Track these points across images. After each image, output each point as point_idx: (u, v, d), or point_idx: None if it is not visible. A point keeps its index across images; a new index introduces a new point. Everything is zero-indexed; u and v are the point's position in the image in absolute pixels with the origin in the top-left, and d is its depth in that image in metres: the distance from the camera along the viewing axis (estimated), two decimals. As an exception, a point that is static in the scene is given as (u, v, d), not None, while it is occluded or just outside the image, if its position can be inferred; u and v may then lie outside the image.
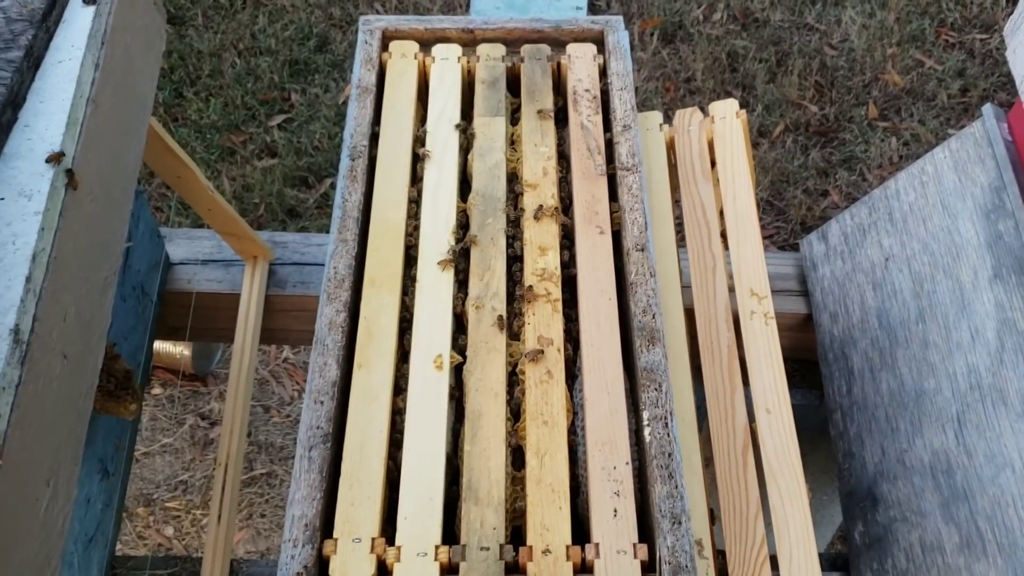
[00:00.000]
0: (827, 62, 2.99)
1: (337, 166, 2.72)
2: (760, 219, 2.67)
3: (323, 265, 1.72)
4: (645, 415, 1.00)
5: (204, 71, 2.91)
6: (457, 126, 1.26)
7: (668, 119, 1.47)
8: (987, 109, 1.44)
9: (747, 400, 1.18)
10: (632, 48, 3.03)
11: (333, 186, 2.68)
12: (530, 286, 1.10)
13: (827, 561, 1.54)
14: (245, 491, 2.18)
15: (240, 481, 1.71)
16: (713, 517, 1.17)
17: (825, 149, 2.82)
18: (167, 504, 2.16)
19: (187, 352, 2.23)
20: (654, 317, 1.07)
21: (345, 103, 2.77)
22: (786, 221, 2.65)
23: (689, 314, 1.29)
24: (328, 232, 1.61)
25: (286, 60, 2.93)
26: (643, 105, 2.86)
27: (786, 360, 1.80)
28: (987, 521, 1.27)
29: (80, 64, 1.07)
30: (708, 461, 1.19)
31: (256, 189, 2.64)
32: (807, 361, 1.73)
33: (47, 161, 0.97)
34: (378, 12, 3.06)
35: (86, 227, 1.03)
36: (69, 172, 0.98)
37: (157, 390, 2.32)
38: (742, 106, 2.91)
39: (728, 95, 2.92)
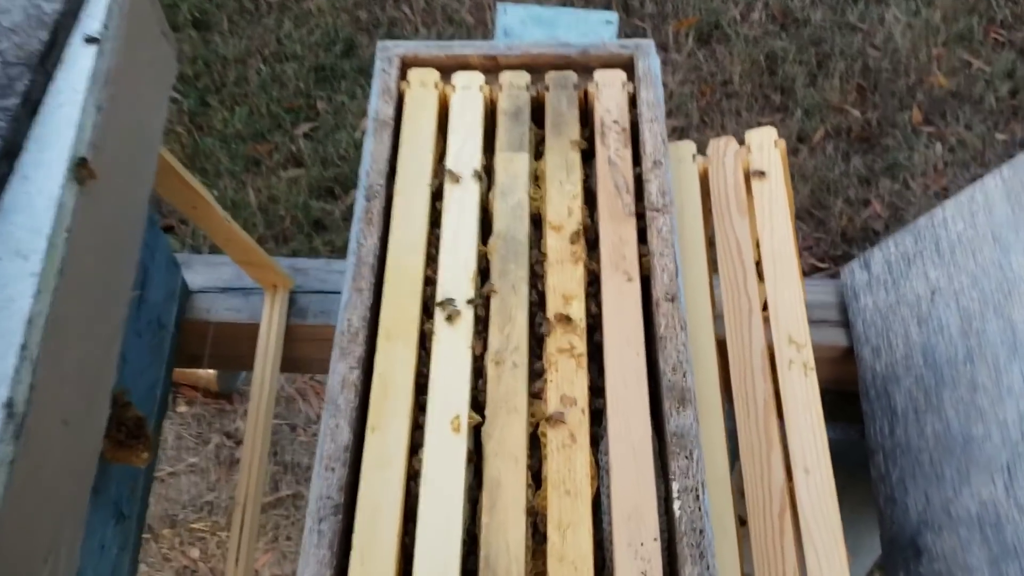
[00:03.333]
0: (870, 64, 2.89)
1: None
2: (799, 230, 2.60)
3: (345, 293, 1.69)
4: (675, 487, 0.94)
5: (229, 78, 2.87)
6: (476, 170, 1.20)
7: (702, 146, 1.40)
8: (1043, 134, 1.36)
9: (784, 456, 1.11)
10: (666, 50, 2.95)
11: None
12: (561, 314, 1.04)
13: (868, 608, 1.47)
14: (271, 512, 2.15)
15: (259, 514, 1.68)
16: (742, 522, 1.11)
17: (867, 156, 2.72)
18: (192, 525, 2.14)
19: (211, 371, 2.20)
20: (684, 376, 1.01)
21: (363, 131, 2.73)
22: (826, 232, 2.57)
23: (722, 347, 1.23)
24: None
25: (312, 66, 2.89)
26: (677, 110, 2.78)
27: (825, 393, 1.73)
28: (1041, 582, 1.20)
29: (81, 109, 1.02)
30: (743, 520, 1.12)
31: (282, 201, 2.61)
32: (846, 393, 1.65)
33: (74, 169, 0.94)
34: (405, 15, 3.00)
35: (88, 283, 0.99)
36: (82, 160, 0.94)
37: (182, 408, 2.30)
38: (780, 111, 2.83)
39: (766, 99, 2.83)
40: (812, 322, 1.62)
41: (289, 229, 2.56)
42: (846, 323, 1.62)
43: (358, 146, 2.72)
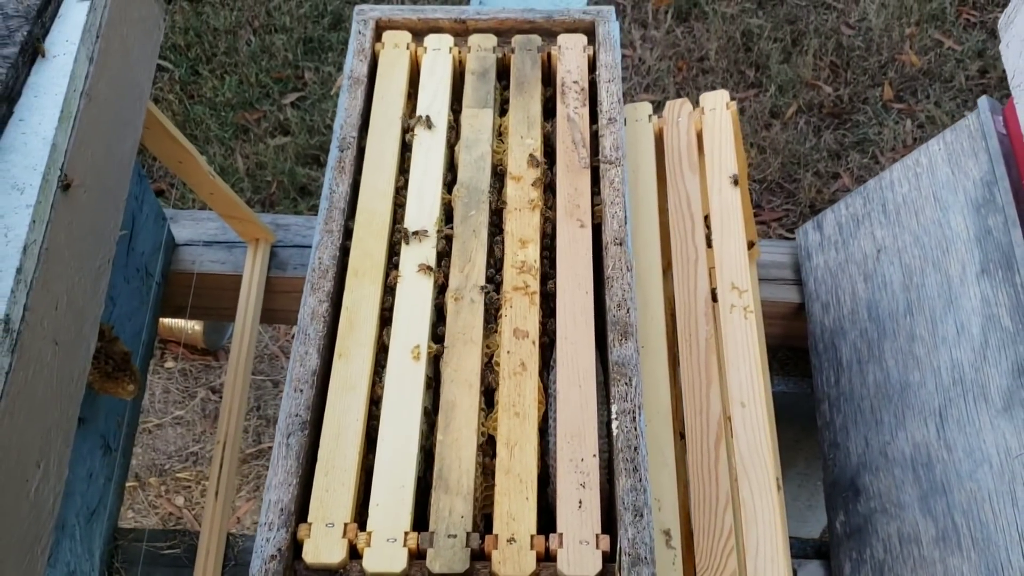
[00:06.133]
0: (843, 42, 2.96)
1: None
2: (769, 202, 2.68)
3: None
4: (614, 408, 1.03)
5: (220, 48, 2.94)
6: (444, 123, 1.28)
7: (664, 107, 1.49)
8: (983, 102, 1.44)
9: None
10: (645, 26, 3.02)
11: (345, 164, 2.71)
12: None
13: (812, 548, 1.57)
14: (254, 463, 2.24)
15: (239, 458, 1.76)
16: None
17: (838, 131, 2.81)
18: (178, 475, 2.23)
19: (198, 327, 2.28)
20: (628, 312, 1.09)
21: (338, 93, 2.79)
22: (795, 204, 2.65)
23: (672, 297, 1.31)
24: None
25: (300, 38, 2.96)
26: (655, 85, 2.85)
27: (779, 348, 1.83)
28: (963, 515, 1.29)
29: (74, 59, 1.10)
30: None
31: (269, 167, 2.68)
32: (801, 349, 1.74)
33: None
34: (393, -11, 3.07)
35: (79, 218, 1.07)
36: (63, 177, 1.02)
37: (170, 363, 2.38)
38: (755, 87, 2.90)
39: (741, 75, 2.91)
40: (768, 280, 1.72)
41: (275, 194, 2.64)
42: (799, 281, 1.71)
43: (344, 115, 2.80)
